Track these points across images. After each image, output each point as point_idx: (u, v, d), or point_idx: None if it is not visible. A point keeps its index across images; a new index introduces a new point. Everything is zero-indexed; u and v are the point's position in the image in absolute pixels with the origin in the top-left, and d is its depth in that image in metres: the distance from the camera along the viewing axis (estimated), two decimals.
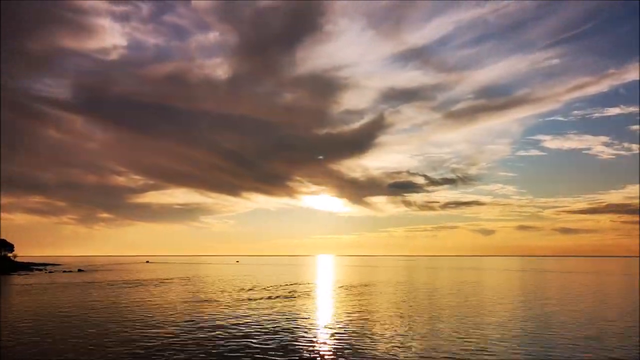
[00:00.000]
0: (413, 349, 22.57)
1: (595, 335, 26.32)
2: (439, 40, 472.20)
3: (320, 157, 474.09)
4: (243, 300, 45.63)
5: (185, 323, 30.92)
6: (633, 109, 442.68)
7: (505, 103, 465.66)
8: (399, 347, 23.19)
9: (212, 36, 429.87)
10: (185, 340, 25.11)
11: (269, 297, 48.08)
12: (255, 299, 46.12)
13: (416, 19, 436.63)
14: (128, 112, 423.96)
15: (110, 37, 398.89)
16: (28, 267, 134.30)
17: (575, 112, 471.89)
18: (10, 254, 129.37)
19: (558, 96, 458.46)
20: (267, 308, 39.01)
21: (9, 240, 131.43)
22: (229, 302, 43.33)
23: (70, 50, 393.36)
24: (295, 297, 48.27)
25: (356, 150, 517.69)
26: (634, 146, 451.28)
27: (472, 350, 22.39)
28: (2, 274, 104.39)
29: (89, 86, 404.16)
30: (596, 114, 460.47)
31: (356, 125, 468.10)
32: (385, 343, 24.16)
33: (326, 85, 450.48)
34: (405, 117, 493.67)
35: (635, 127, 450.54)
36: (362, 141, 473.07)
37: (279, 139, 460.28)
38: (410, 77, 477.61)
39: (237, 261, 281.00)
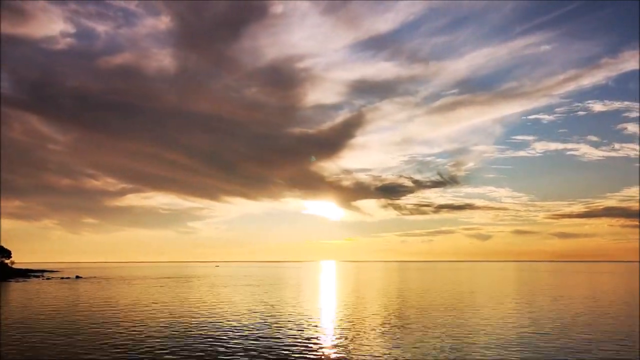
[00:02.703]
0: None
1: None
2: (408, 25, 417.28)
3: (298, 158, 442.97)
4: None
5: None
6: (619, 104, 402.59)
7: (489, 98, 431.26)
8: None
9: (162, 22, 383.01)
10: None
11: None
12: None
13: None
14: (85, 110, 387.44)
15: (54, 23, 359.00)
16: (25, 273, 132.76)
17: (563, 108, 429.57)
18: (7, 261, 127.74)
19: (544, 91, 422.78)
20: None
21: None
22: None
23: (8, 37, 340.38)
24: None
25: (336, 150, 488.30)
26: (625, 146, 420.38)
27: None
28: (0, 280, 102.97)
29: (39, 81, 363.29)
30: (587, 111, 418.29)
31: (332, 122, 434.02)
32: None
33: (288, 79, 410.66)
34: (384, 114, 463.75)
35: (626, 125, 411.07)
36: (340, 141, 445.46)
37: (251, 139, 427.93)
38: (381, 68, 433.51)
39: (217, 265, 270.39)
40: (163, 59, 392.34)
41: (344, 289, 75.45)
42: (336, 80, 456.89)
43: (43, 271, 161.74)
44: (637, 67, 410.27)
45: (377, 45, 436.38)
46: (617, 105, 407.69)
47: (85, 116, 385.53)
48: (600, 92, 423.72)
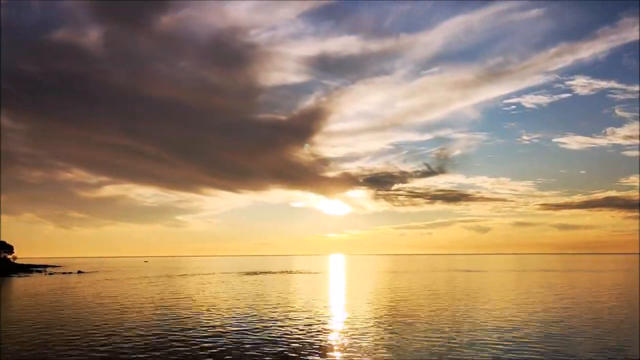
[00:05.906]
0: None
1: None
2: None
3: (275, 147, 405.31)
4: None
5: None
6: (605, 83, 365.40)
7: (472, 79, 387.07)
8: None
9: None
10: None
11: None
12: None
13: None
14: (32, 96, 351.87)
15: None
16: (27, 268, 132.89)
17: (547, 90, 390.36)
18: (9, 256, 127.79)
19: (529, 68, 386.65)
20: None
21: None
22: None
23: None
24: None
25: (311, 137, 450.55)
26: (616, 131, 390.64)
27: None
28: (2, 275, 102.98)
29: None
30: (574, 93, 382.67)
31: (302, 106, 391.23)
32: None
33: (238, 56, 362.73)
34: (359, 96, 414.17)
35: (614, 107, 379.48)
36: (315, 127, 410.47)
37: (222, 128, 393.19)
38: (345, 42, 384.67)
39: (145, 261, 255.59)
40: (100, 36, 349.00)
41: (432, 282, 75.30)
42: (295, 57, 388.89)
43: (45, 266, 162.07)
44: (638, 38, 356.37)
45: (334, 14, 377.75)
46: (603, 84, 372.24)
47: (34, 103, 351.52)
48: (588, 70, 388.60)
